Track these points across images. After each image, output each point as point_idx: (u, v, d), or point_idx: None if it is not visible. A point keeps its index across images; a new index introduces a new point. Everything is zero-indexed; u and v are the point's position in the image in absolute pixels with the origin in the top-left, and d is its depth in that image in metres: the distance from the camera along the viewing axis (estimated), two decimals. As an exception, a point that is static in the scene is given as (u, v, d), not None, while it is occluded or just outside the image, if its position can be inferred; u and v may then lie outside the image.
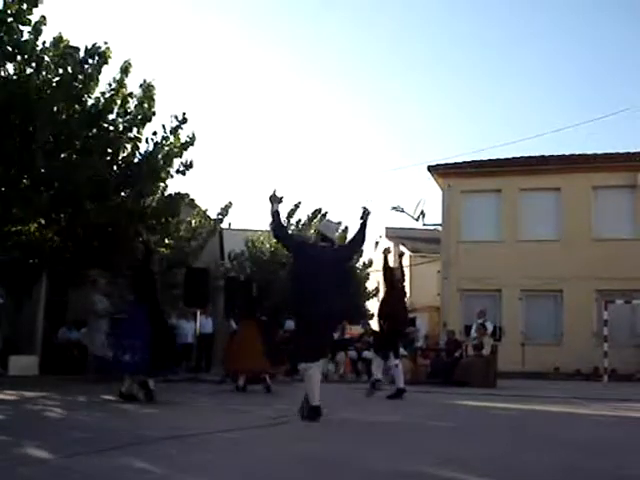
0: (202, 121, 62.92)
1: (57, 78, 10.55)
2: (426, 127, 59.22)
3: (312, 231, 19.37)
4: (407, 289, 10.50)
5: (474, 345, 13.50)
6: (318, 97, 63.96)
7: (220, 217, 17.18)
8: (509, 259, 19.37)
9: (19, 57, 10.15)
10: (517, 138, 64.44)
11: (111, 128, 11.37)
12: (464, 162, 21.11)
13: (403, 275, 9.68)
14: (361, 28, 55.99)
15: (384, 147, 64.67)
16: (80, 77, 10.76)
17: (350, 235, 8.22)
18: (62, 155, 10.92)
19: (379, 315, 9.60)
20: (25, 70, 10.25)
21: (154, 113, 11.70)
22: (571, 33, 53.22)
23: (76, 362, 12.67)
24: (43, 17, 10.26)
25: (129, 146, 11.68)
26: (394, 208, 22.01)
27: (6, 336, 12.84)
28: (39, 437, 4.61)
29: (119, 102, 11.35)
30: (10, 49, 9.98)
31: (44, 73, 10.50)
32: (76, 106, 10.83)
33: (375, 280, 23.59)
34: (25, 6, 9.95)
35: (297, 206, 22.12)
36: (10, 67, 10.18)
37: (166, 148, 11.89)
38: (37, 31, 10.20)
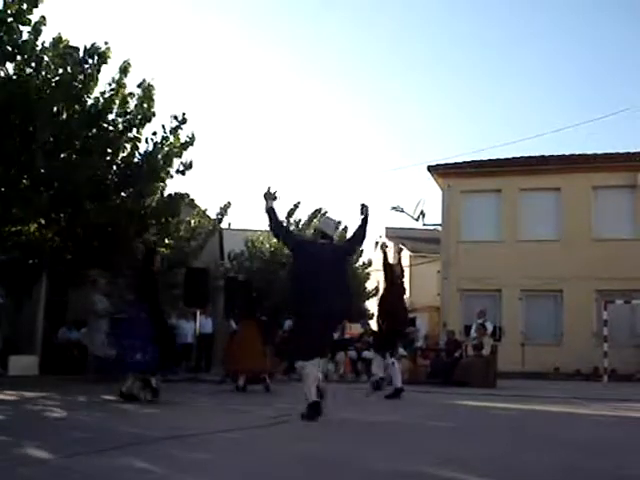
0: (202, 121, 62.99)
1: (57, 78, 10.55)
2: (426, 127, 59.28)
3: (312, 231, 19.36)
4: (407, 287, 10.48)
5: (474, 345, 13.49)
6: (318, 97, 64.02)
7: (219, 217, 17.18)
8: (509, 259, 19.37)
9: (19, 57, 10.15)
10: (517, 138, 64.54)
11: (111, 128, 11.37)
12: (464, 162, 21.12)
13: (402, 271, 9.67)
14: (361, 28, 56.05)
15: (384, 147, 64.73)
16: (80, 77, 10.76)
17: (350, 234, 8.17)
18: (62, 155, 10.92)
19: (378, 313, 9.59)
20: (25, 70, 10.25)
21: (154, 114, 11.71)
22: (571, 33, 53.28)
23: (76, 362, 12.67)
24: (43, 17, 10.27)
25: (129, 146, 11.69)
26: (394, 208, 22.03)
27: (6, 336, 12.84)
28: (39, 437, 4.61)
29: (118, 102, 11.35)
30: (10, 49, 9.98)
31: (44, 73, 10.50)
32: (76, 106, 10.83)
33: (375, 280, 23.59)
34: (25, 6, 9.96)
35: (296, 206, 22.12)
36: (10, 67, 10.19)
37: (166, 148, 11.90)
38: (37, 31, 10.21)
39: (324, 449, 4.36)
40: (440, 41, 56.15)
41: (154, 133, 11.81)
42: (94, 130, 11.21)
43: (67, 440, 4.52)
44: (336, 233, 7.12)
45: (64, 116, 10.67)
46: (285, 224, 21.12)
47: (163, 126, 11.82)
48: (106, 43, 10.98)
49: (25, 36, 10.14)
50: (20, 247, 11.73)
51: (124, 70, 11.37)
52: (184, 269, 14.51)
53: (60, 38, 10.73)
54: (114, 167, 11.70)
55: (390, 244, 22.72)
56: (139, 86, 11.55)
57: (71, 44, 10.80)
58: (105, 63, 11.05)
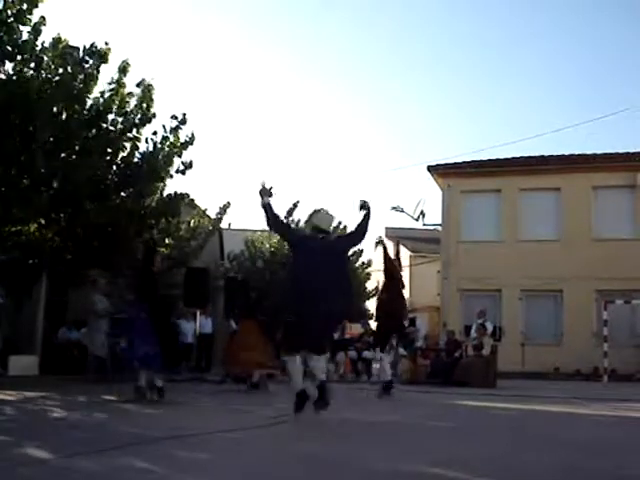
0: (202, 121, 63.00)
1: (57, 78, 10.55)
2: (426, 127, 59.30)
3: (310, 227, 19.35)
4: (406, 287, 10.48)
5: (474, 345, 13.50)
6: (318, 97, 64.03)
7: (219, 217, 17.19)
8: (509, 259, 19.38)
9: (19, 57, 10.15)
10: (517, 138, 64.56)
11: (111, 128, 11.37)
12: (464, 162, 21.12)
13: (400, 265, 9.71)
14: (361, 28, 56.06)
15: (384, 147, 64.76)
16: (80, 77, 10.75)
17: (349, 231, 8.12)
18: (62, 155, 10.91)
19: (377, 310, 9.65)
20: (25, 70, 10.25)
21: (154, 115, 11.70)
22: (571, 33, 53.29)
23: (76, 362, 12.66)
24: (43, 17, 10.25)
25: (128, 146, 11.68)
26: (394, 208, 22.01)
27: (6, 336, 12.84)
28: (39, 437, 4.62)
29: (118, 102, 11.35)
30: (10, 49, 9.98)
31: (44, 73, 10.49)
32: (76, 106, 10.82)
33: (375, 280, 23.60)
34: (25, 6, 9.96)
35: (295, 205, 22.10)
36: (10, 67, 10.18)
37: (166, 148, 11.89)
38: (37, 31, 10.20)
39: (324, 449, 4.36)
40: (440, 41, 56.21)
41: (154, 133, 11.81)
42: (94, 130, 11.21)
43: (67, 440, 4.52)
44: (331, 227, 7.01)
45: (64, 116, 10.66)
46: (284, 220, 21.15)
47: (163, 126, 11.82)
48: (106, 44, 10.99)
49: (25, 36, 10.14)
50: (20, 247, 11.73)
51: (123, 70, 11.37)
52: (184, 269, 14.50)
53: (59, 39, 10.72)
54: (114, 167, 11.69)
55: (390, 244, 22.68)
56: (138, 85, 11.55)
57: (71, 44, 10.81)
58: (105, 63, 11.04)
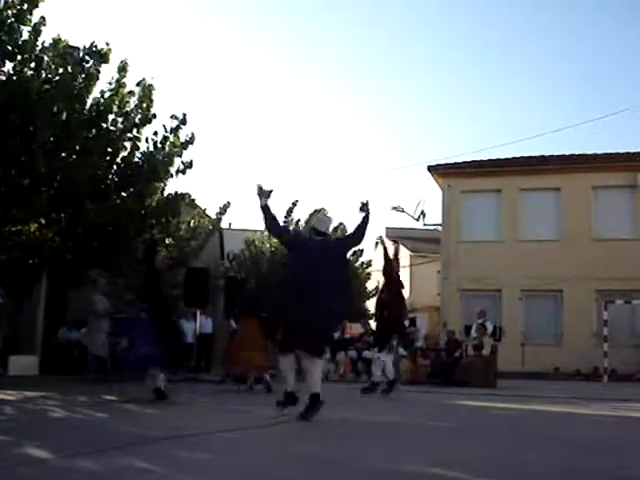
0: (202, 121, 62.97)
1: (57, 78, 10.55)
2: (426, 127, 59.24)
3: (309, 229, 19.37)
4: (406, 288, 10.54)
5: (474, 345, 13.50)
6: (318, 97, 64.02)
7: (219, 217, 17.19)
8: (509, 259, 19.38)
9: (19, 57, 10.15)
10: (517, 138, 64.45)
11: (111, 128, 11.37)
12: (464, 162, 21.13)
13: (399, 264, 9.74)
14: (362, 28, 56.03)
15: (384, 147, 64.69)
16: (80, 77, 10.76)
17: (349, 232, 8.16)
18: (62, 155, 10.91)
19: (376, 309, 9.70)
20: (25, 70, 10.25)
21: (154, 116, 11.71)
22: (571, 33, 53.25)
23: (76, 362, 12.67)
24: (42, 18, 10.27)
25: (129, 146, 11.69)
26: (394, 208, 22.02)
27: (6, 336, 12.83)
28: (39, 437, 4.62)
29: (118, 101, 11.35)
30: (10, 49, 9.99)
31: (44, 73, 10.50)
32: (76, 106, 10.83)
33: (375, 280, 23.59)
34: (25, 6, 9.96)
35: (294, 204, 22.08)
36: (10, 67, 10.19)
37: (166, 148, 11.90)
38: (36, 32, 10.21)
39: (324, 449, 4.36)
40: (441, 41, 56.18)
41: (155, 133, 11.82)
42: (94, 130, 11.22)
43: (67, 440, 4.52)
44: (330, 229, 7.04)
45: (64, 116, 10.67)
46: (282, 222, 21.16)
47: (164, 126, 11.85)
48: (107, 44, 11.00)
49: (25, 36, 10.15)
50: (20, 247, 11.73)
51: (122, 69, 11.37)
52: (184, 269, 14.50)
53: (60, 39, 10.72)
54: (114, 167, 11.69)
55: (389, 243, 22.67)
56: (138, 84, 11.56)
57: (71, 44, 10.81)
58: (106, 63, 11.05)
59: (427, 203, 23.19)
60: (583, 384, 14.88)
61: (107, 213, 11.21)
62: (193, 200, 14.78)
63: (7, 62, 10.10)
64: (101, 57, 10.93)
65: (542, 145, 70.28)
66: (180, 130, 11.92)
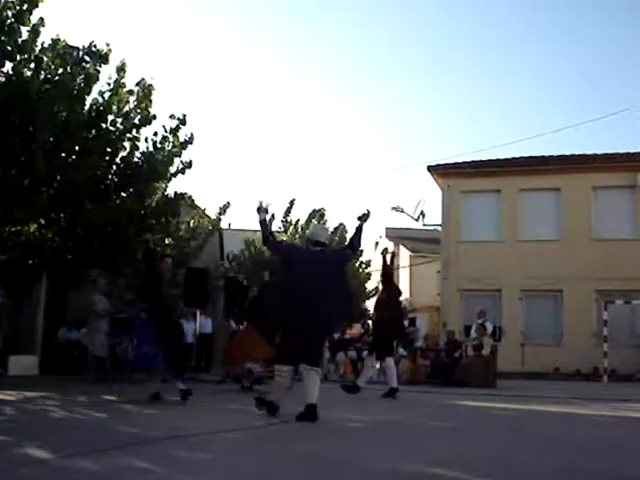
0: (202, 121, 62.97)
1: (57, 78, 10.55)
2: (426, 127, 59.26)
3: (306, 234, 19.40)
4: (406, 288, 10.65)
5: (474, 345, 13.50)
6: (318, 97, 64.02)
7: (219, 217, 17.20)
8: (509, 259, 19.38)
9: (19, 57, 10.15)
10: (517, 138, 64.48)
11: (111, 128, 11.37)
12: (464, 162, 21.13)
13: (392, 269, 9.90)
14: (361, 28, 56.05)
15: (384, 147, 64.72)
16: (80, 77, 10.75)
17: (349, 235, 8.30)
18: (62, 155, 10.91)
19: (375, 310, 9.79)
20: (25, 70, 10.25)
21: (154, 116, 11.71)
22: (571, 33, 53.28)
23: (76, 362, 12.65)
24: (41, 19, 10.27)
25: (128, 146, 11.69)
26: (394, 208, 22.04)
27: (6, 336, 12.82)
28: (39, 437, 4.62)
29: (117, 101, 11.35)
30: (10, 49, 9.99)
31: (44, 73, 10.49)
32: (76, 106, 10.82)
33: (375, 280, 23.61)
34: (25, 7, 9.96)
35: (292, 203, 22.09)
36: (10, 67, 10.18)
37: (166, 148, 11.90)
38: (35, 32, 10.21)
39: (324, 449, 4.36)
40: (440, 41, 56.20)
41: (154, 133, 11.82)
42: (94, 130, 11.22)
43: (67, 440, 4.52)
44: (328, 237, 7.18)
45: (63, 116, 10.67)
46: (281, 222, 21.26)
47: (163, 126, 11.85)
48: (107, 44, 11.00)
49: (25, 36, 10.15)
50: (20, 247, 11.72)
51: (121, 69, 11.37)
52: (184, 269, 14.50)
53: (59, 39, 10.72)
54: (114, 167, 11.70)
55: (389, 244, 22.73)
56: (138, 84, 11.55)
57: (70, 44, 10.81)
58: (106, 63, 11.04)
59: (427, 203, 23.21)
60: (583, 384, 14.88)
61: (107, 213, 11.21)
62: (193, 200, 14.79)
63: (7, 62, 10.10)
64: (101, 57, 10.92)
65: (542, 145, 70.41)
66: (179, 130, 11.92)
